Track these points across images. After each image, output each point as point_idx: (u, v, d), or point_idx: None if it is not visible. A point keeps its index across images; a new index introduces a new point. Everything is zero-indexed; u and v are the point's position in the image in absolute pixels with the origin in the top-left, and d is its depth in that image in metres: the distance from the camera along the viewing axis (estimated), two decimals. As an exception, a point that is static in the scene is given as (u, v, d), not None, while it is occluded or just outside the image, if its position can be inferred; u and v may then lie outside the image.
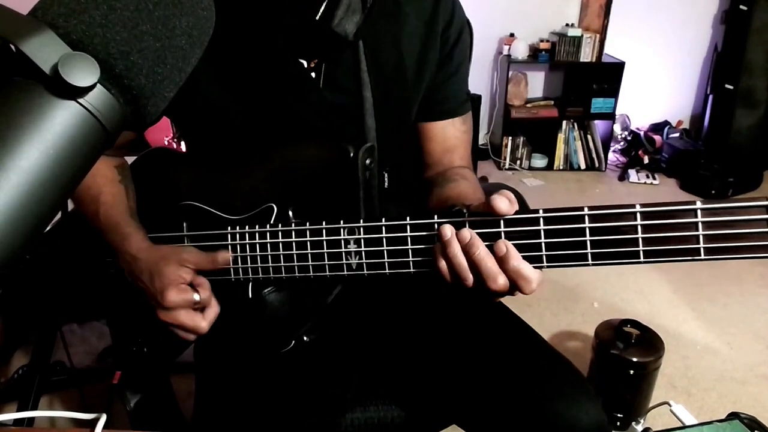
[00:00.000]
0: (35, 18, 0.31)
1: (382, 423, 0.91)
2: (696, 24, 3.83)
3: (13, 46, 0.29)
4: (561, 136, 3.79)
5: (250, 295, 0.82)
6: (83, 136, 0.32)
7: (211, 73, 0.80)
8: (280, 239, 0.76)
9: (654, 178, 3.61)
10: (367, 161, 0.78)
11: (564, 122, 3.77)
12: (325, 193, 0.80)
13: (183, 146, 0.99)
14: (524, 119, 3.76)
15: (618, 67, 3.58)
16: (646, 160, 3.72)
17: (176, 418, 1.20)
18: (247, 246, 0.79)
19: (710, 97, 3.74)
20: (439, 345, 0.87)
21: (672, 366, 1.88)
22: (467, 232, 0.61)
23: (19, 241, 0.30)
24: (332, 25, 0.77)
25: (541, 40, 3.66)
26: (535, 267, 0.61)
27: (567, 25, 3.63)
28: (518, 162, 3.86)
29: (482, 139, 4.01)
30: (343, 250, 0.72)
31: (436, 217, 0.66)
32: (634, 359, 1.55)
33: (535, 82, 3.93)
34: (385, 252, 0.69)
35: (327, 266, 0.73)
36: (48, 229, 0.35)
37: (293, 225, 0.75)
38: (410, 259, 0.68)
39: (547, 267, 0.61)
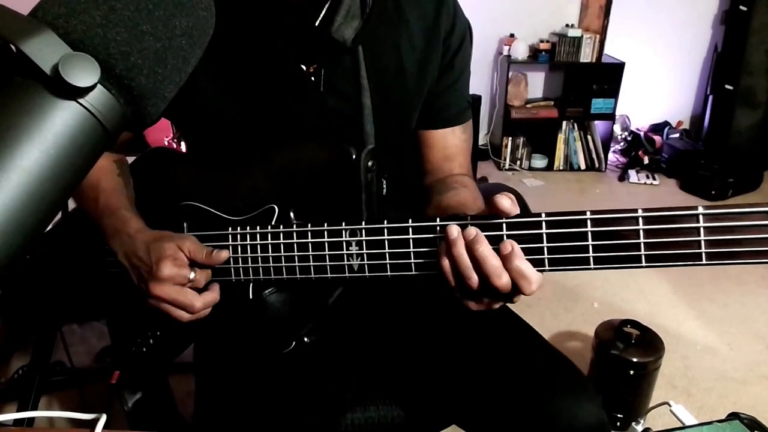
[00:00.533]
0: (36, 18, 0.31)
1: (382, 423, 0.91)
2: (696, 24, 3.83)
3: (13, 47, 0.29)
4: (561, 137, 3.79)
5: (251, 296, 0.82)
6: (84, 136, 0.32)
7: (211, 73, 0.80)
8: (282, 240, 0.76)
9: (654, 179, 3.61)
10: (369, 163, 0.78)
11: (564, 123, 3.77)
12: (326, 195, 0.80)
13: (183, 146, 0.99)
14: (524, 120, 3.76)
15: (618, 68, 3.59)
16: (646, 160, 3.73)
17: (174, 418, 1.20)
18: (248, 247, 0.78)
19: (710, 98, 3.74)
20: (439, 344, 0.87)
21: (672, 366, 1.88)
22: (473, 230, 0.62)
23: (20, 241, 0.30)
24: (331, 30, 0.77)
25: (541, 41, 3.66)
26: (537, 270, 0.61)
27: (567, 25, 3.63)
28: (518, 162, 3.86)
29: (482, 140, 4.02)
30: (344, 251, 0.72)
31: (438, 219, 0.66)
32: (634, 359, 1.55)
33: (535, 83, 3.93)
34: (387, 254, 0.69)
35: (328, 267, 0.73)
36: (48, 229, 0.35)
37: (295, 226, 0.75)
38: (412, 261, 0.68)
39: (549, 270, 0.62)
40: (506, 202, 0.61)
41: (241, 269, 0.80)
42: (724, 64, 3.63)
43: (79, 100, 0.31)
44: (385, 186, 0.87)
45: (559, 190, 3.57)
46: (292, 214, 0.80)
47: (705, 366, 1.93)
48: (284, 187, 0.81)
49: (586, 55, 3.57)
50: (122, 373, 1.06)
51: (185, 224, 0.86)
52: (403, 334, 0.91)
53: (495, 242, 0.62)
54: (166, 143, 2.28)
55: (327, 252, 0.73)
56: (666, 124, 3.89)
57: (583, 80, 3.63)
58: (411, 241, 0.67)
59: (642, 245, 0.57)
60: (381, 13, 0.82)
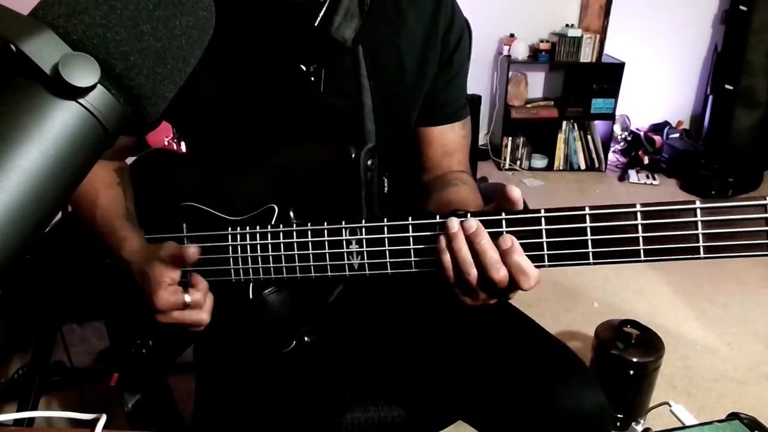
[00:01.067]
0: (35, 18, 0.31)
1: (382, 423, 0.91)
2: (696, 24, 3.83)
3: (13, 47, 0.29)
4: (561, 137, 3.79)
5: (251, 296, 0.82)
6: (83, 137, 0.32)
7: (210, 73, 0.80)
8: (281, 240, 0.76)
9: (654, 179, 3.61)
10: (369, 162, 0.78)
11: (564, 122, 3.77)
12: (326, 194, 0.80)
13: (183, 146, 0.99)
14: (524, 119, 3.76)
15: (618, 68, 3.59)
16: (646, 160, 3.72)
17: (174, 418, 1.20)
18: (248, 246, 0.78)
19: (710, 98, 3.74)
20: (440, 338, 0.88)
21: (672, 366, 1.88)
22: (473, 222, 0.62)
23: (19, 241, 0.30)
24: (331, 30, 0.77)
25: (541, 41, 3.66)
26: (537, 266, 0.62)
27: (567, 25, 3.63)
28: (518, 162, 3.85)
29: (482, 140, 4.01)
30: (344, 250, 0.72)
31: (437, 216, 0.66)
32: (634, 359, 1.55)
33: (535, 83, 3.93)
34: (387, 252, 0.69)
35: (329, 266, 0.73)
36: (48, 229, 0.35)
37: (294, 225, 0.75)
38: (412, 258, 0.68)
39: (549, 266, 0.62)
40: (517, 192, 0.62)
41: (240, 269, 0.80)
42: (724, 64, 3.63)
43: (79, 100, 0.31)
44: (386, 184, 0.87)
45: (559, 190, 3.57)
46: (291, 214, 0.80)
47: (705, 366, 1.93)
48: (284, 186, 0.81)
49: (586, 55, 3.57)
50: (122, 375, 1.05)
51: (185, 225, 0.86)
52: (404, 333, 0.91)
53: (495, 238, 0.62)
54: (166, 143, 2.28)
55: (327, 251, 0.73)
56: (666, 124, 3.89)
57: (583, 80, 3.63)
58: (411, 238, 0.67)
59: (640, 239, 0.58)
60: (380, 11, 0.82)
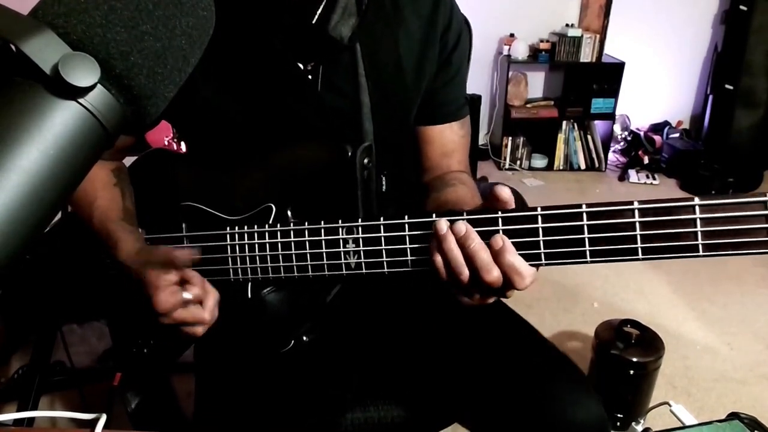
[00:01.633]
0: (35, 18, 0.31)
1: (382, 423, 0.91)
2: (696, 24, 3.83)
3: (13, 46, 0.29)
4: (561, 137, 3.79)
5: (249, 296, 0.82)
6: (83, 137, 0.32)
7: (210, 73, 0.80)
8: (279, 239, 0.76)
9: (654, 179, 3.61)
10: (365, 161, 0.78)
11: (564, 122, 3.77)
12: (323, 193, 0.80)
13: (183, 146, 0.99)
14: (524, 119, 3.76)
15: (618, 68, 3.59)
16: (646, 160, 3.72)
17: (177, 418, 1.20)
18: (246, 246, 0.79)
19: (710, 97, 3.74)
20: (439, 342, 0.87)
21: (672, 366, 1.88)
22: (462, 225, 0.62)
23: (19, 241, 0.30)
24: (328, 29, 0.77)
25: (541, 41, 3.66)
26: (533, 265, 0.61)
27: (567, 25, 3.63)
28: (518, 162, 3.85)
29: (482, 140, 4.01)
30: (341, 249, 0.72)
31: (434, 215, 0.66)
32: (634, 359, 1.55)
33: (535, 83, 3.93)
34: (384, 251, 0.69)
35: (326, 266, 0.73)
36: (48, 229, 0.35)
37: (292, 225, 0.75)
38: (408, 257, 0.68)
39: (546, 265, 0.61)
40: (506, 192, 0.61)
41: (239, 269, 0.80)
42: (724, 64, 3.63)
43: (79, 100, 0.31)
44: (384, 183, 0.87)
45: (559, 190, 3.57)
46: (289, 213, 0.80)
47: (705, 366, 1.93)
48: (281, 185, 0.81)
49: (586, 55, 3.57)
50: (124, 375, 1.05)
51: (184, 225, 0.86)
52: (403, 333, 0.91)
53: (489, 237, 0.62)
54: (166, 143, 2.28)
55: (324, 250, 0.73)
56: (666, 123, 3.89)
57: (583, 80, 3.63)
58: (407, 237, 0.67)
59: (638, 237, 0.57)
60: (378, 10, 0.82)
